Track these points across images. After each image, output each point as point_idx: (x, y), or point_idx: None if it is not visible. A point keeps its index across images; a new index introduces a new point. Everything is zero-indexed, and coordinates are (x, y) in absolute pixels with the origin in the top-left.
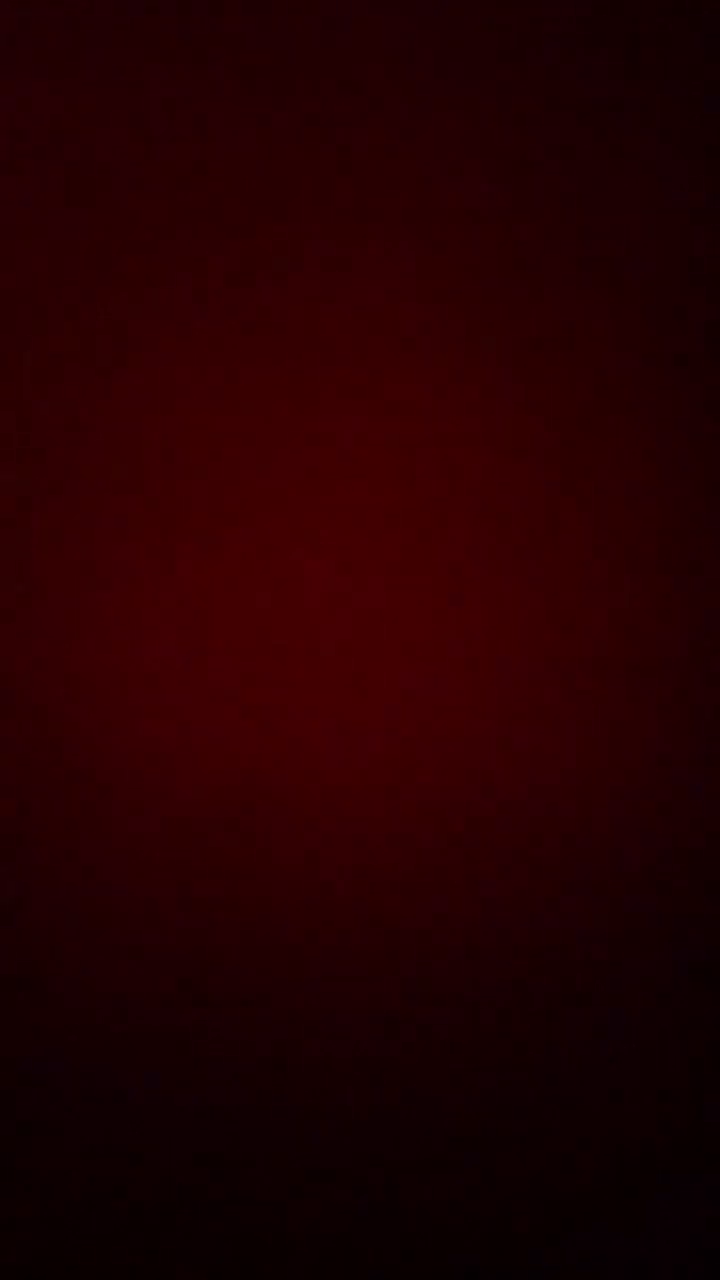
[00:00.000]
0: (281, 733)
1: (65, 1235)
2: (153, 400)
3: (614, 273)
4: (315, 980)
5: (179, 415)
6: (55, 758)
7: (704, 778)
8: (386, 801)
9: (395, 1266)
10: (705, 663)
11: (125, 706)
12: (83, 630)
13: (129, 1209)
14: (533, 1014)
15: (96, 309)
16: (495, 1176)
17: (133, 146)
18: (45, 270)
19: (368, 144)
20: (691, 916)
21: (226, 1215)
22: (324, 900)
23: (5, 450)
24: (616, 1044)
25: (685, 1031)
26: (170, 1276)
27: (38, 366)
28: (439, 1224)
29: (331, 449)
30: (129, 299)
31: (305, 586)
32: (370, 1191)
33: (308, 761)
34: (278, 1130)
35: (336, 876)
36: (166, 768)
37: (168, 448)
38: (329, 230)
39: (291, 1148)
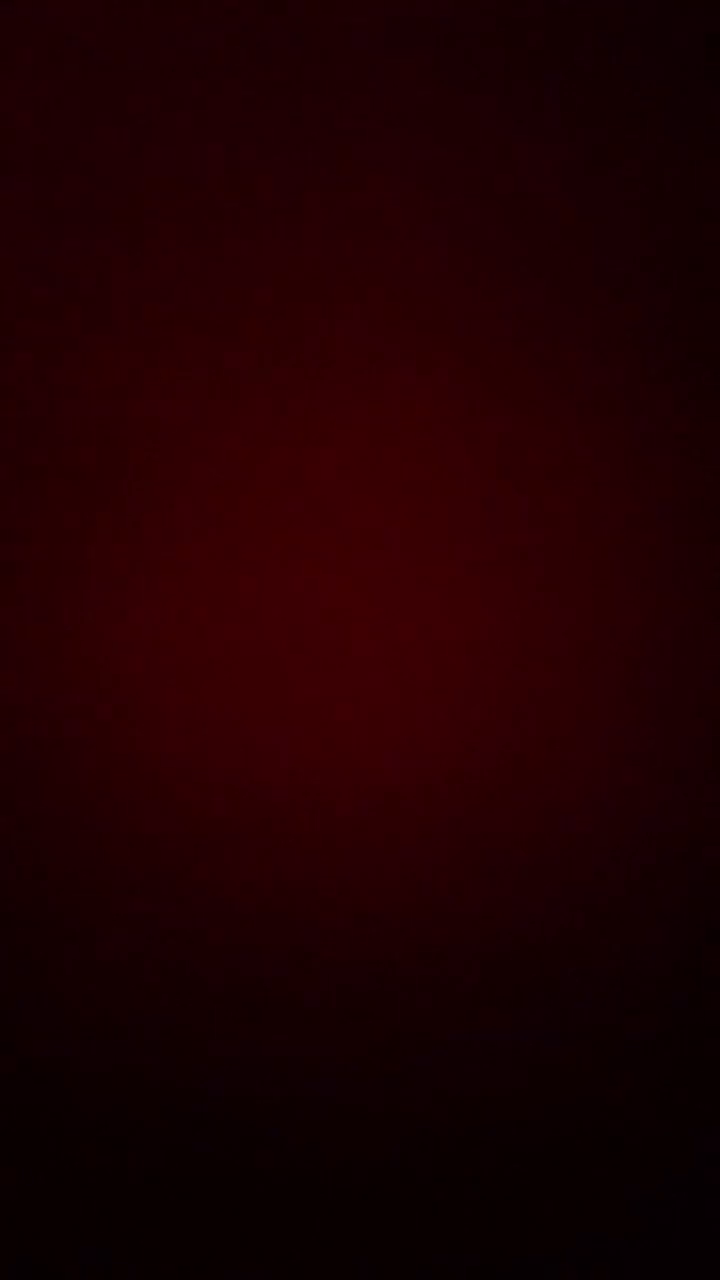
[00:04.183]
0: (282, 740)
1: (64, 1237)
2: (152, 409)
3: (614, 279)
4: (317, 984)
5: (178, 423)
6: (54, 764)
7: (707, 784)
8: (389, 812)
9: (395, 1268)
10: (706, 665)
11: (125, 713)
12: (82, 637)
13: (126, 1217)
14: (536, 1018)
15: (96, 325)
16: (495, 1180)
17: (132, 150)
18: (43, 276)
19: (367, 151)
20: (696, 923)
21: (225, 1220)
22: (326, 908)
23: (4, 456)
24: (616, 1047)
25: (685, 1035)
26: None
27: (33, 377)
28: (439, 1230)
29: (332, 456)
30: (129, 309)
31: (305, 593)
32: (371, 1197)
33: (308, 771)
34: (278, 1136)
35: (337, 887)
36: (165, 775)
37: (168, 453)
38: (329, 232)
39: (290, 1153)
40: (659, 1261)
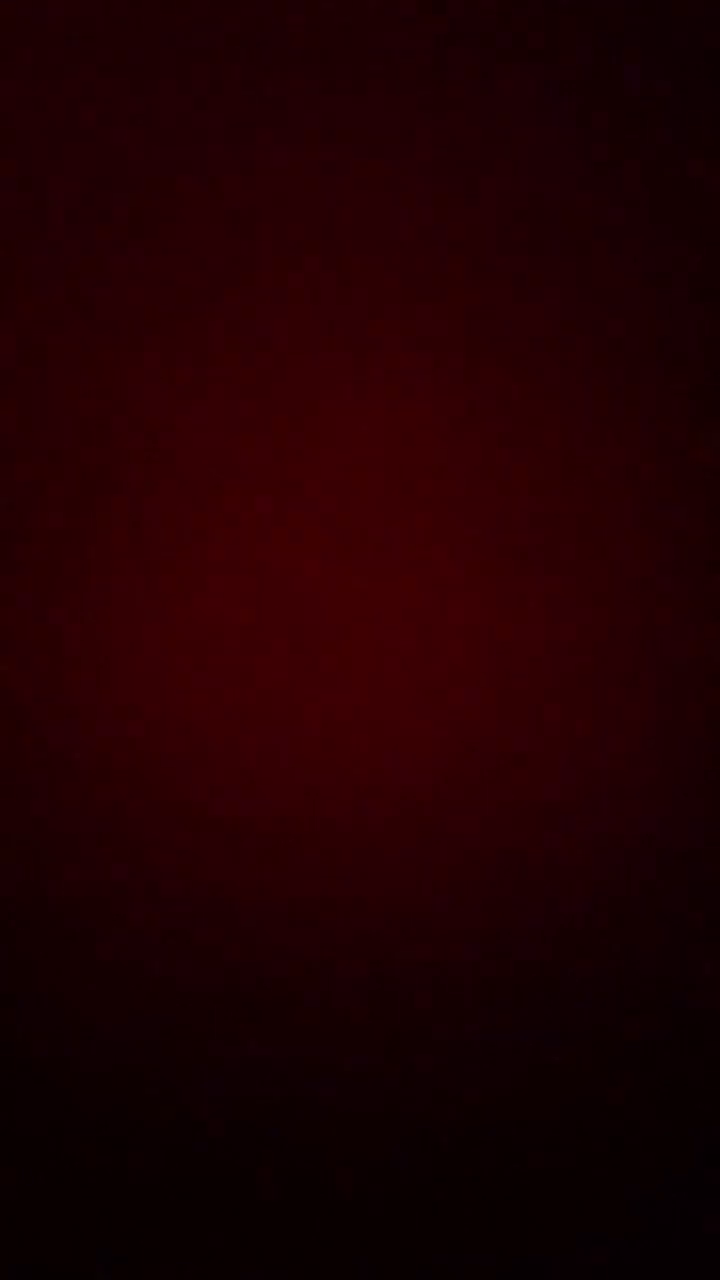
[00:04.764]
0: (282, 739)
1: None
2: (150, 411)
3: (616, 278)
4: (317, 985)
5: (177, 421)
6: (54, 764)
7: (708, 784)
8: (389, 812)
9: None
10: (706, 665)
11: (125, 713)
12: (82, 637)
13: (126, 1220)
14: (536, 1018)
15: (98, 337)
16: (495, 1180)
17: (133, 149)
18: (45, 279)
19: (368, 150)
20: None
21: (225, 1221)
22: (326, 908)
23: (6, 459)
24: (616, 1047)
25: (685, 1035)
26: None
27: (33, 377)
28: (439, 1237)
29: (332, 455)
30: (128, 309)
31: (306, 592)
32: (371, 1197)
33: (308, 771)
34: (277, 1136)
35: (337, 887)
36: (165, 775)
37: (167, 454)
38: (330, 232)
39: (290, 1153)
40: (659, 1261)
